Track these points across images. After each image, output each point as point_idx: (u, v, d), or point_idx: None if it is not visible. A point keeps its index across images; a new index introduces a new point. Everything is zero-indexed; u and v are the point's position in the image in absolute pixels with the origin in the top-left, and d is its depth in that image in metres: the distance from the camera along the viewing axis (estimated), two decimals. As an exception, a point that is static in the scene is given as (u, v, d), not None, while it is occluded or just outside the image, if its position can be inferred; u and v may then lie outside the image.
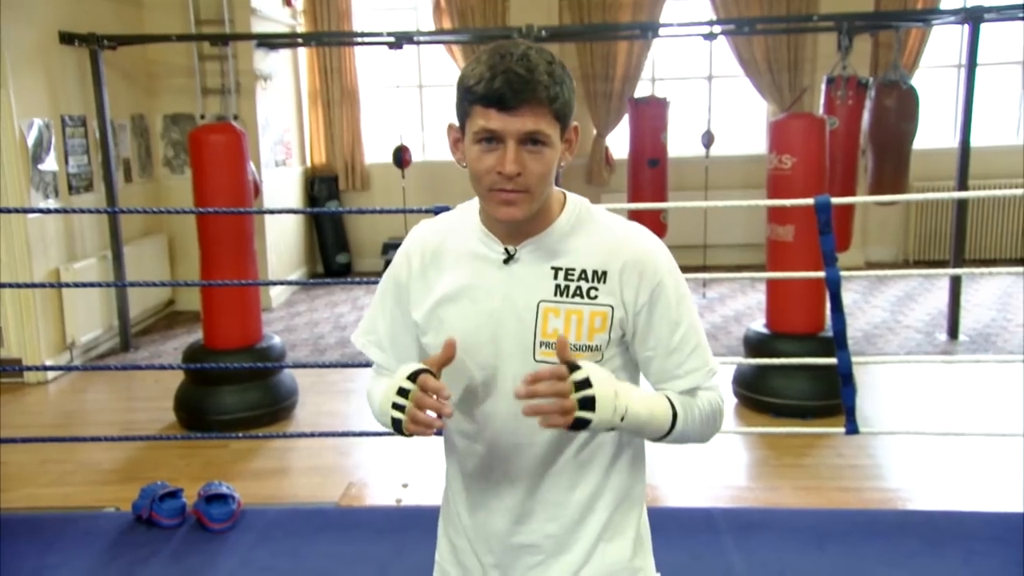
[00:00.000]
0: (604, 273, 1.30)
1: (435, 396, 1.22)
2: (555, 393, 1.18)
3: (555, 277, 1.30)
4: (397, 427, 1.27)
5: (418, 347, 1.41)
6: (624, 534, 1.40)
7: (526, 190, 1.23)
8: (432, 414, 1.24)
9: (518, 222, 1.26)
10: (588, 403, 1.19)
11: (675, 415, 1.31)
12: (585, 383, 1.19)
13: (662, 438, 1.32)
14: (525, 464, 1.35)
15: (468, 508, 1.43)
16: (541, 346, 1.29)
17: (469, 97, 1.21)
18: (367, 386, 1.48)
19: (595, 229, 1.33)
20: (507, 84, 1.17)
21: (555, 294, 1.29)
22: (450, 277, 1.34)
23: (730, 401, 4.57)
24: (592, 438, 1.36)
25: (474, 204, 1.37)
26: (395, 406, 1.25)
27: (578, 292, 1.29)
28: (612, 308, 1.30)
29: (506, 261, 1.31)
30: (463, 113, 1.24)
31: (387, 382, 1.31)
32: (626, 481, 1.40)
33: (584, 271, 1.30)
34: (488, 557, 1.42)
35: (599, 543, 1.38)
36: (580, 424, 1.20)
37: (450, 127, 1.29)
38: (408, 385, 1.24)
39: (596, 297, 1.29)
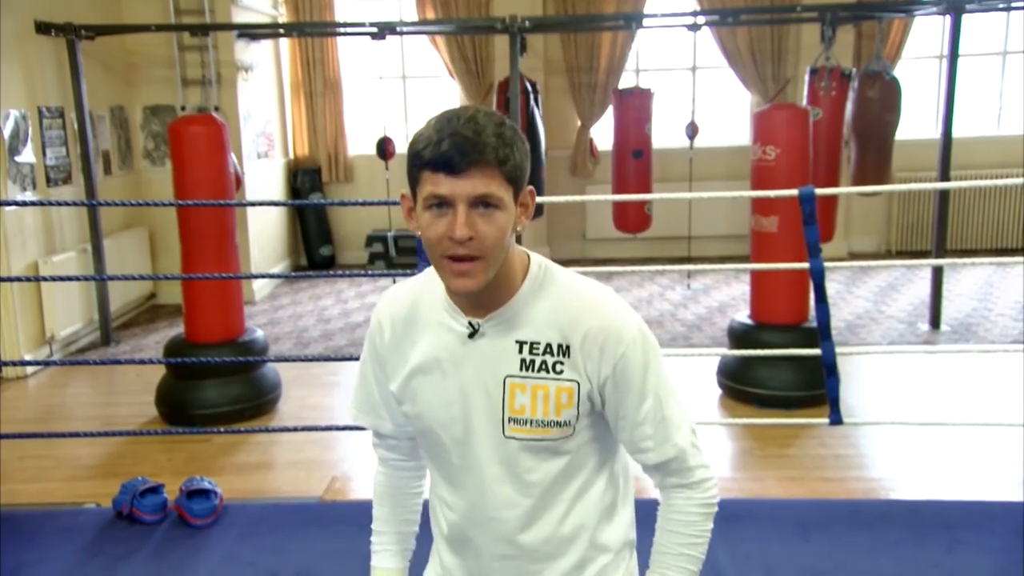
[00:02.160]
0: (567, 347, 1.25)
1: None
2: None
3: (520, 351, 1.26)
4: None
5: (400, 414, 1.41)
6: None
7: (480, 256, 1.18)
8: None
9: (474, 294, 1.22)
10: None
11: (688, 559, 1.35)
12: None
13: None
14: (499, 535, 1.34)
15: (450, 564, 1.43)
16: (510, 422, 1.27)
17: (418, 162, 1.18)
18: (375, 477, 1.62)
19: (558, 297, 1.27)
20: (454, 147, 1.15)
21: (520, 369, 1.26)
22: (421, 348, 1.31)
23: (714, 392, 4.58)
24: (569, 513, 1.33)
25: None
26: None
27: (543, 367, 1.25)
28: (578, 383, 1.26)
29: (471, 335, 1.28)
30: (413, 180, 1.21)
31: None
32: (615, 542, 1.39)
33: (549, 344, 1.26)
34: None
35: None
36: None
37: (403, 196, 1.26)
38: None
39: (561, 372, 1.25)
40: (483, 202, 1.17)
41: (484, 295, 1.24)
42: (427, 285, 1.34)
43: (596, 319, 1.26)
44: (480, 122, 1.17)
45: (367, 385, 1.43)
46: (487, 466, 1.30)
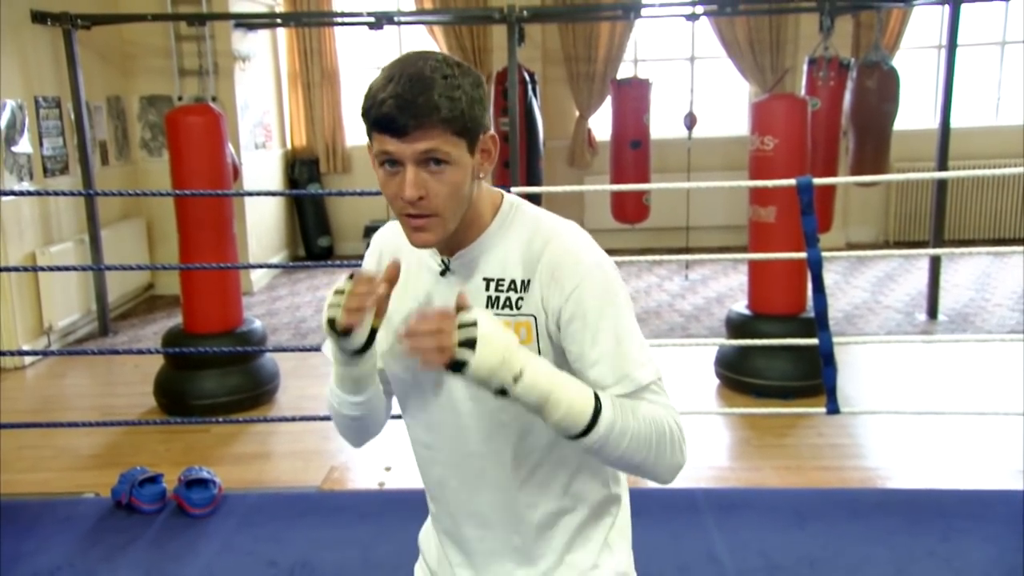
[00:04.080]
0: (527, 281, 1.24)
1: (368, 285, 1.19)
2: (436, 331, 1.11)
3: (487, 288, 1.26)
4: (333, 326, 1.20)
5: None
6: (591, 541, 1.38)
7: (434, 213, 1.18)
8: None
9: (432, 245, 1.23)
10: (469, 344, 1.10)
11: (599, 406, 1.16)
12: (470, 324, 1.11)
13: (583, 435, 1.16)
14: (481, 475, 1.34)
15: (438, 512, 1.43)
16: None
17: (366, 121, 1.17)
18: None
19: (522, 234, 1.26)
20: (397, 108, 1.12)
21: (487, 306, 1.25)
22: (401, 281, 1.28)
23: (712, 382, 4.59)
24: (548, 455, 1.31)
25: None
26: (331, 306, 1.20)
27: (507, 303, 1.25)
28: (535, 317, 1.24)
29: (442, 273, 1.29)
30: (368, 135, 1.20)
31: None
32: (593, 494, 1.37)
33: (512, 280, 1.25)
34: (456, 556, 1.42)
35: (565, 554, 1.37)
36: (457, 366, 1.10)
37: (368, 145, 1.24)
38: (344, 285, 1.20)
39: (520, 307, 1.24)
40: (432, 159, 1.15)
41: (452, 235, 1.24)
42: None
43: (553, 250, 1.24)
44: (425, 77, 1.13)
45: None
46: (461, 401, 1.29)
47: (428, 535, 1.51)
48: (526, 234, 1.26)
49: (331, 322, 1.20)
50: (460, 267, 1.28)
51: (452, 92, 1.14)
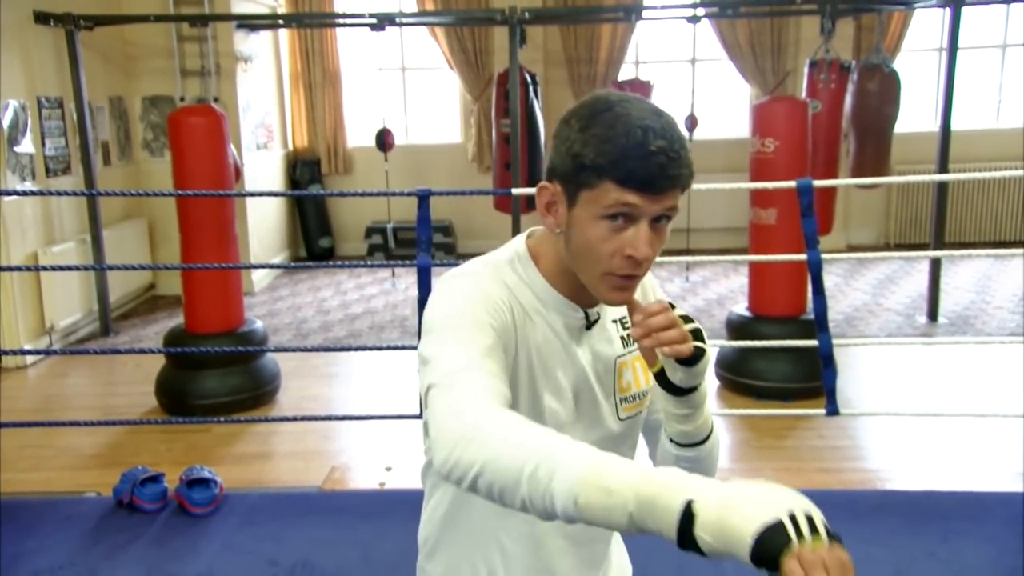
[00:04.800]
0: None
1: None
2: (672, 323, 1.07)
3: (620, 329, 1.25)
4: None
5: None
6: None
7: (643, 273, 1.12)
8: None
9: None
10: (698, 335, 1.10)
11: (712, 426, 1.23)
12: (687, 318, 1.11)
13: (702, 443, 1.21)
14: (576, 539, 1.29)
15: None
16: (622, 402, 1.25)
17: (594, 170, 1.05)
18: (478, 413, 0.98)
19: None
20: (660, 169, 1.03)
21: (624, 345, 1.25)
22: (536, 346, 1.18)
23: (712, 384, 4.60)
24: None
25: (524, 259, 1.20)
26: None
27: (631, 339, 1.21)
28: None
29: (587, 327, 1.22)
30: (581, 181, 1.07)
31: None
32: None
33: (624, 317, 1.26)
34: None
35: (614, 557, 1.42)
36: (698, 354, 1.09)
37: (543, 188, 1.14)
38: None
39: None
40: (664, 216, 1.09)
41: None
42: (522, 277, 1.19)
43: (652, 285, 1.31)
44: (672, 136, 1.05)
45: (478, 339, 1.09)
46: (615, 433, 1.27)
47: None
48: None
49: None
50: (599, 316, 1.24)
51: (687, 148, 1.08)
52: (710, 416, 1.23)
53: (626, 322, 1.25)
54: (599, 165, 1.04)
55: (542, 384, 1.19)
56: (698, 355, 1.10)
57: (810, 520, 0.82)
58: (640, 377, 1.26)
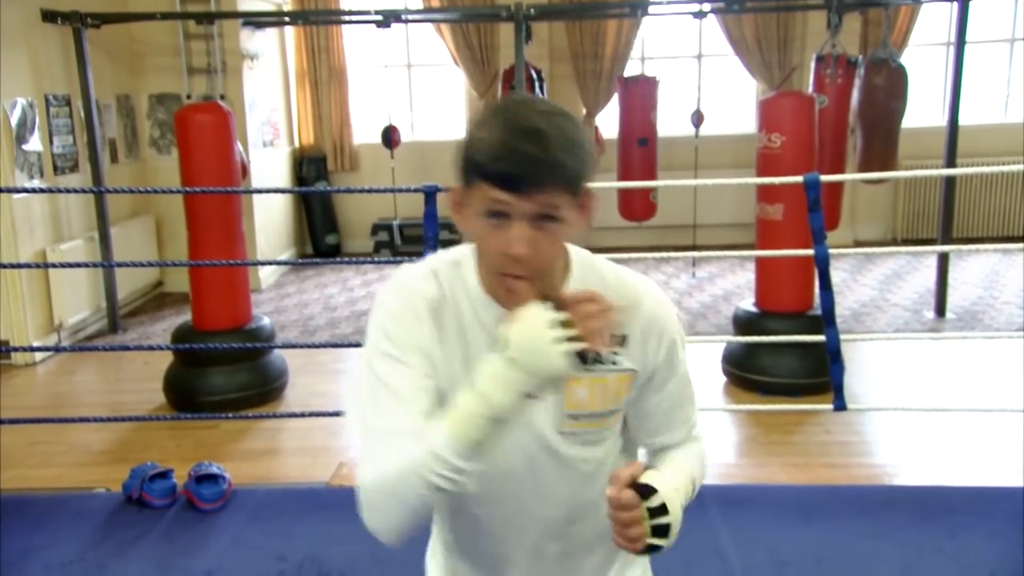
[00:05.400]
0: (624, 336, 1.22)
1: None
2: (632, 521, 1.13)
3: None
4: (583, 358, 1.07)
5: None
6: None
7: (534, 274, 1.12)
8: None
9: (525, 304, 1.15)
10: (662, 531, 1.13)
11: (694, 483, 1.30)
12: (661, 511, 1.13)
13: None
14: (544, 533, 1.33)
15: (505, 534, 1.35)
16: (567, 418, 1.24)
17: (474, 169, 1.10)
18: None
19: (604, 288, 1.17)
20: (519, 165, 1.06)
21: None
22: (456, 334, 1.21)
23: (719, 379, 4.59)
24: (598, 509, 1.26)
25: (469, 259, 1.23)
26: (565, 340, 1.05)
27: (597, 358, 1.16)
28: (636, 372, 1.25)
29: None
30: (467, 180, 1.12)
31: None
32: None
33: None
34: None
35: None
36: (650, 550, 1.15)
37: (452, 190, 1.18)
38: (560, 315, 1.06)
39: (618, 363, 1.23)
40: (546, 216, 1.09)
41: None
42: (456, 278, 1.23)
43: (652, 308, 1.25)
44: (547, 135, 1.07)
45: (407, 371, 1.18)
46: (540, 464, 1.27)
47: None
48: (614, 289, 1.20)
49: (581, 355, 1.08)
50: None
51: (574, 151, 1.09)
52: (689, 496, 1.27)
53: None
54: (477, 164, 1.09)
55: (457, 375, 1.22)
56: (650, 550, 1.16)
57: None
58: (598, 398, 1.23)
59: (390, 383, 1.16)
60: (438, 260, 1.25)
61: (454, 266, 1.24)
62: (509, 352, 1.06)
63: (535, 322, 1.06)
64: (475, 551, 1.39)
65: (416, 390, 1.16)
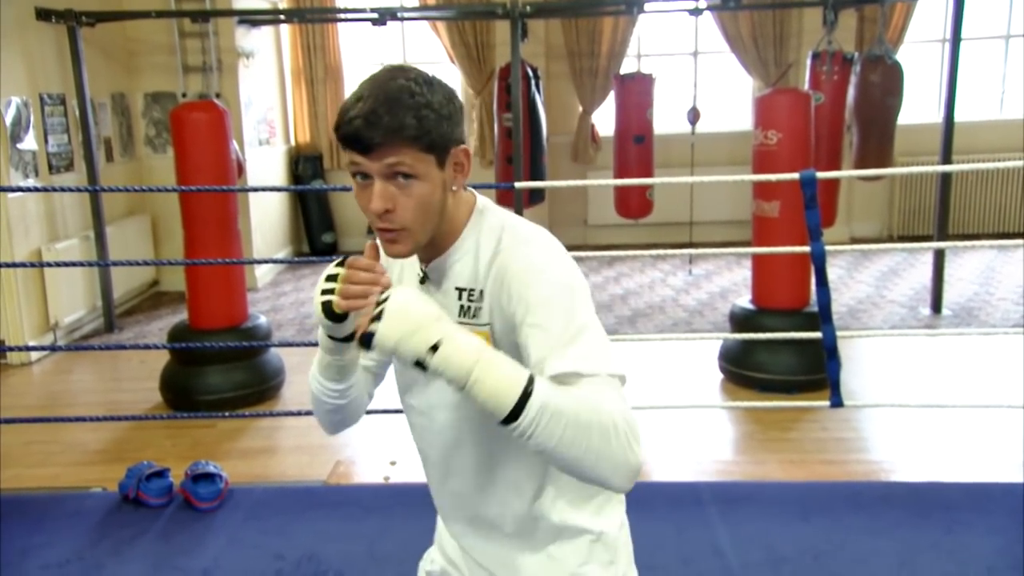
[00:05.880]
0: (482, 291, 1.25)
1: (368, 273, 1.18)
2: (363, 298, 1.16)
3: (459, 298, 1.27)
4: (328, 312, 1.20)
5: None
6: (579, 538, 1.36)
7: (403, 227, 1.20)
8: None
9: (404, 256, 1.25)
10: (379, 317, 1.11)
11: (530, 386, 1.06)
12: (383, 300, 1.12)
13: (512, 419, 1.06)
14: (453, 472, 1.38)
15: (435, 482, 1.44)
16: None
17: (336, 136, 1.19)
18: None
19: (487, 243, 1.26)
20: (365, 126, 1.14)
21: (459, 314, 1.27)
22: (395, 280, 1.33)
23: (716, 377, 4.59)
24: (513, 459, 1.32)
25: None
26: (324, 292, 1.20)
27: (474, 312, 1.26)
28: (490, 325, 1.24)
29: (422, 281, 1.32)
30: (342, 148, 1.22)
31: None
32: (566, 517, 1.35)
33: (477, 290, 1.26)
34: (455, 526, 1.45)
35: (553, 543, 1.37)
36: (365, 339, 1.11)
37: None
38: (337, 270, 1.21)
39: (476, 316, 1.26)
40: (400, 174, 1.17)
41: (429, 245, 1.26)
42: None
43: (504, 257, 1.22)
44: (392, 95, 1.15)
45: None
46: (439, 409, 1.33)
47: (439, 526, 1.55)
48: (490, 243, 1.26)
49: (326, 307, 1.20)
50: (435, 276, 1.30)
51: (419, 110, 1.15)
52: (505, 387, 1.07)
53: (471, 295, 1.26)
54: (335, 130, 1.19)
55: None
56: (364, 339, 1.11)
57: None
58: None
59: None
60: None
61: None
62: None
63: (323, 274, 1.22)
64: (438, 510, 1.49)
65: None
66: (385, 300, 1.12)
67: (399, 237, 1.21)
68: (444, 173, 1.21)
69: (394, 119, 1.14)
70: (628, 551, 1.43)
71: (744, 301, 4.67)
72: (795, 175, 3.07)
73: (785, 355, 4.31)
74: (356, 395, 1.40)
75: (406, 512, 1.91)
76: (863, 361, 4.83)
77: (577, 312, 1.17)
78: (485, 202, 1.31)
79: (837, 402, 3.25)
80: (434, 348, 1.08)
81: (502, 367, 1.09)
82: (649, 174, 6.55)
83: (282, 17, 7.55)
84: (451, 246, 1.27)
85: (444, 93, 1.20)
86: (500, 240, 1.25)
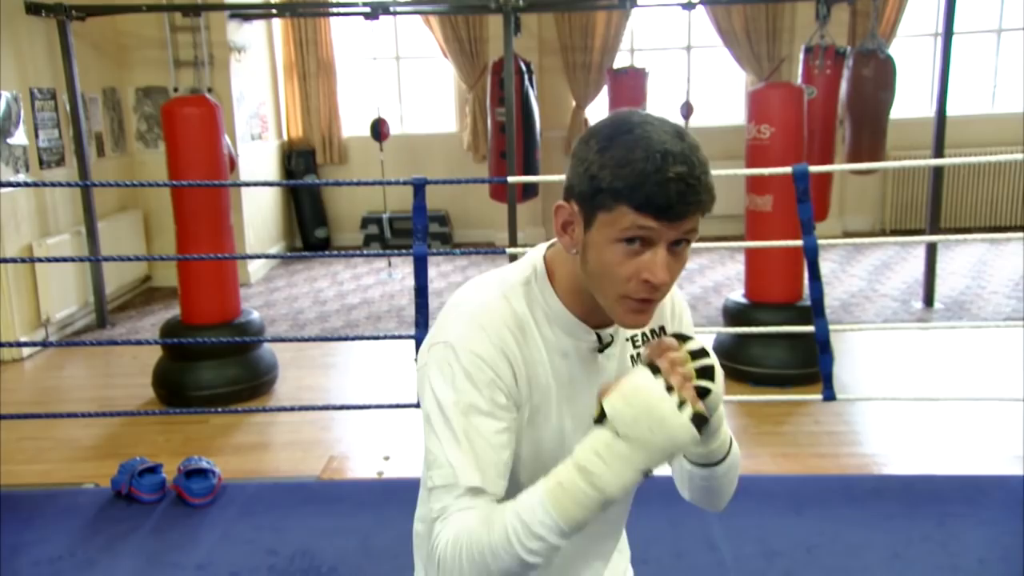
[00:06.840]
0: (662, 328, 1.27)
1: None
2: (677, 360, 1.05)
3: (633, 347, 1.23)
4: (702, 420, 1.02)
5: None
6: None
7: (661, 297, 1.10)
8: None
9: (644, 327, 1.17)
10: (707, 372, 1.06)
11: (731, 441, 1.23)
12: (701, 352, 1.07)
13: (717, 464, 1.22)
14: (597, 555, 1.37)
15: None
16: None
17: (612, 194, 1.03)
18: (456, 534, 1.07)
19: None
20: (678, 195, 1.01)
21: (633, 364, 1.23)
22: (543, 376, 1.17)
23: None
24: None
25: (541, 277, 1.19)
26: (700, 390, 1.04)
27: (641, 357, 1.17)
28: None
29: (600, 350, 1.20)
30: (597, 204, 1.06)
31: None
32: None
33: (650, 331, 1.25)
34: None
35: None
36: (702, 393, 1.04)
37: (560, 207, 1.13)
38: (665, 380, 1.03)
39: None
40: (684, 240, 1.07)
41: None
42: (535, 299, 1.19)
43: (675, 296, 1.33)
44: (695, 160, 1.03)
45: (482, 440, 1.11)
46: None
47: None
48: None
49: (698, 419, 1.02)
50: (616, 335, 1.22)
51: (710, 171, 1.06)
52: (728, 438, 1.23)
53: (637, 341, 1.25)
54: (616, 189, 1.03)
55: (565, 411, 1.20)
56: (702, 394, 1.05)
57: None
58: None
59: (473, 439, 1.10)
60: (503, 283, 1.19)
61: (524, 286, 1.19)
62: (619, 428, 1.00)
63: (647, 393, 1.01)
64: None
65: (499, 448, 1.11)
66: (702, 353, 1.07)
67: (653, 307, 1.11)
68: None
69: (706, 187, 1.04)
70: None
71: (737, 295, 4.68)
72: (788, 169, 3.07)
73: (778, 349, 4.32)
74: None
75: (399, 507, 1.89)
76: (855, 354, 4.84)
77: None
78: None
79: (830, 396, 3.26)
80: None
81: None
82: (642, 168, 6.54)
83: (274, 11, 7.51)
84: None
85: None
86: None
